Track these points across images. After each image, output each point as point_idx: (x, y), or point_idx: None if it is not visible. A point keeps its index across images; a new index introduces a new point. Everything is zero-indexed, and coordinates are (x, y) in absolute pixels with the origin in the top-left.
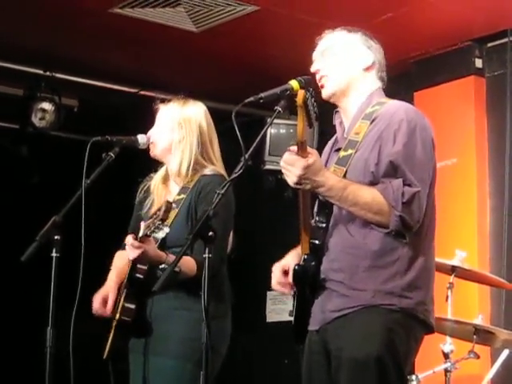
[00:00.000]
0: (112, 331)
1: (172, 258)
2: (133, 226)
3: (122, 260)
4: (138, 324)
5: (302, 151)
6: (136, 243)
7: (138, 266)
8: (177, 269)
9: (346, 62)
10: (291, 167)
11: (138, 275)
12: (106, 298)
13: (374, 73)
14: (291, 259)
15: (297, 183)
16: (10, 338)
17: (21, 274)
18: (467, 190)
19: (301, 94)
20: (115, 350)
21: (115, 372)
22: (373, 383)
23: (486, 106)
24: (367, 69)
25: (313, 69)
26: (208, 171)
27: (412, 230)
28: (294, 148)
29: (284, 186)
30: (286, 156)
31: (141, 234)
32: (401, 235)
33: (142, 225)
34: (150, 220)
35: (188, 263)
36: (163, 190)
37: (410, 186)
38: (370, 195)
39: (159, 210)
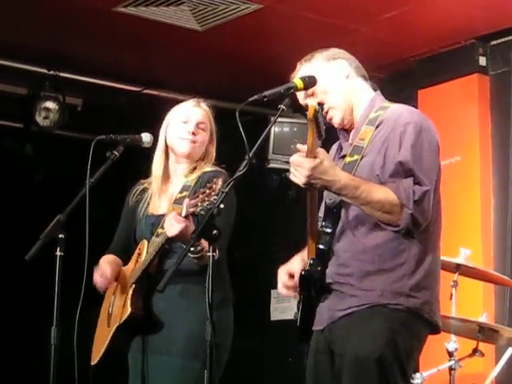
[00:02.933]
0: (111, 333)
1: (205, 242)
2: (123, 231)
3: (109, 256)
4: (144, 321)
5: (310, 155)
6: (180, 217)
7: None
8: (204, 253)
9: (333, 86)
10: (299, 168)
11: (150, 270)
12: (104, 273)
13: (354, 75)
14: (296, 263)
15: (306, 184)
16: (14, 336)
17: (25, 273)
18: (471, 187)
19: (311, 108)
20: (108, 354)
21: (96, 378)
22: (375, 381)
23: (489, 104)
24: (347, 76)
25: (317, 105)
26: (209, 168)
27: (421, 228)
28: (302, 147)
29: (288, 184)
30: (294, 157)
31: (184, 213)
32: (410, 233)
33: (184, 204)
34: (197, 198)
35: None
36: (162, 188)
37: (419, 184)
38: (383, 194)
39: (211, 186)
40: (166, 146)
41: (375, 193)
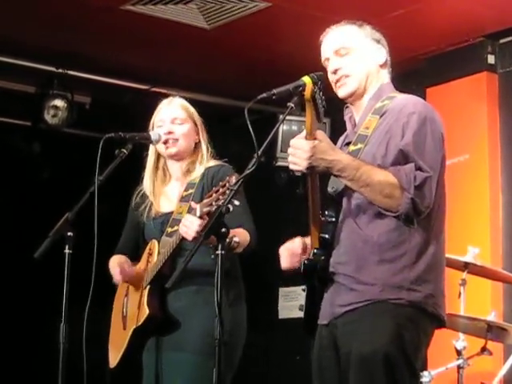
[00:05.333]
0: (128, 336)
1: (233, 231)
2: (128, 231)
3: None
4: (161, 321)
5: (309, 137)
6: (195, 219)
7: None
8: (234, 243)
9: (364, 60)
10: (298, 150)
11: (163, 270)
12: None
13: (386, 69)
14: (298, 243)
15: (308, 167)
16: (23, 334)
17: (34, 271)
18: (480, 185)
19: (309, 88)
20: (126, 357)
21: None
22: (382, 379)
23: (498, 102)
24: (382, 65)
25: (331, 68)
26: (212, 163)
27: (421, 214)
28: (302, 134)
29: (296, 182)
30: (293, 140)
31: (198, 214)
32: (410, 220)
33: (196, 204)
34: (211, 198)
35: (242, 234)
36: (162, 189)
37: (421, 170)
38: (383, 177)
39: (224, 185)
40: (157, 152)
41: (375, 175)
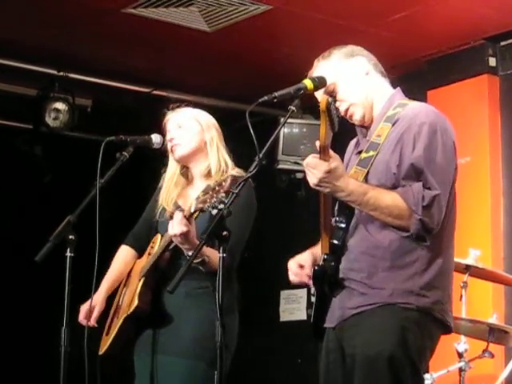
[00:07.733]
0: (118, 324)
1: (207, 249)
2: (144, 221)
3: (121, 260)
4: (150, 318)
5: (323, 155)
6: (185, 220)
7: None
8: (206, 258)
9: (352, 83)
10: (313, 170)
11: (160, 265)
12: (92, 309)
13: (374, 70)
14: (306, 255)
15: (317, 185)
16: (24, 337)
17: (35, 274)
18: (481, 188)
19: (324, 99)
20: (115, 347)
21: (103, 371)
22: (385, 381)
23: (499, 104)
24: (367, 72)
25: (329, 97)
26: (235, 172)
27: (432, 232)
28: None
29: (297, 185)
30: (309, 159)
31: (193, 209)
32: (421, 238)
33: (193, 201)
34: (207, 195)
35: (215, 256)
36: (185, 191)
37: (429, 189)
38: (391, 200)
39: (220, 184)
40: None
41: (383, 199)
